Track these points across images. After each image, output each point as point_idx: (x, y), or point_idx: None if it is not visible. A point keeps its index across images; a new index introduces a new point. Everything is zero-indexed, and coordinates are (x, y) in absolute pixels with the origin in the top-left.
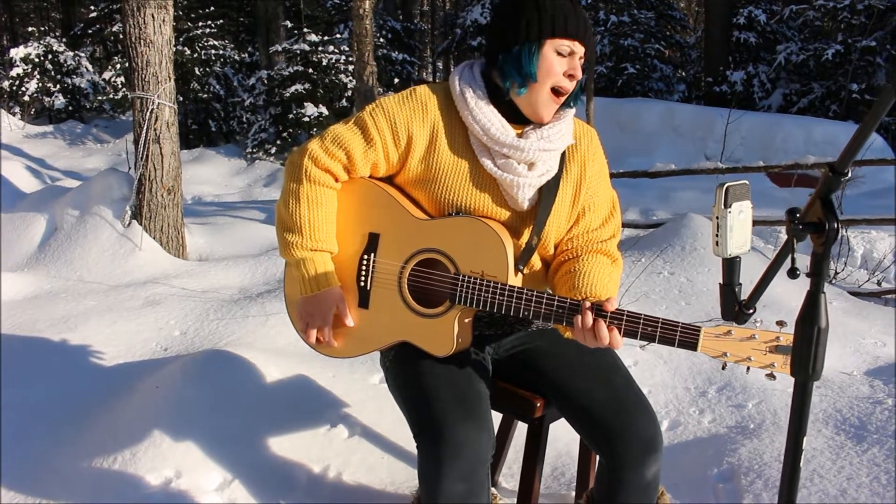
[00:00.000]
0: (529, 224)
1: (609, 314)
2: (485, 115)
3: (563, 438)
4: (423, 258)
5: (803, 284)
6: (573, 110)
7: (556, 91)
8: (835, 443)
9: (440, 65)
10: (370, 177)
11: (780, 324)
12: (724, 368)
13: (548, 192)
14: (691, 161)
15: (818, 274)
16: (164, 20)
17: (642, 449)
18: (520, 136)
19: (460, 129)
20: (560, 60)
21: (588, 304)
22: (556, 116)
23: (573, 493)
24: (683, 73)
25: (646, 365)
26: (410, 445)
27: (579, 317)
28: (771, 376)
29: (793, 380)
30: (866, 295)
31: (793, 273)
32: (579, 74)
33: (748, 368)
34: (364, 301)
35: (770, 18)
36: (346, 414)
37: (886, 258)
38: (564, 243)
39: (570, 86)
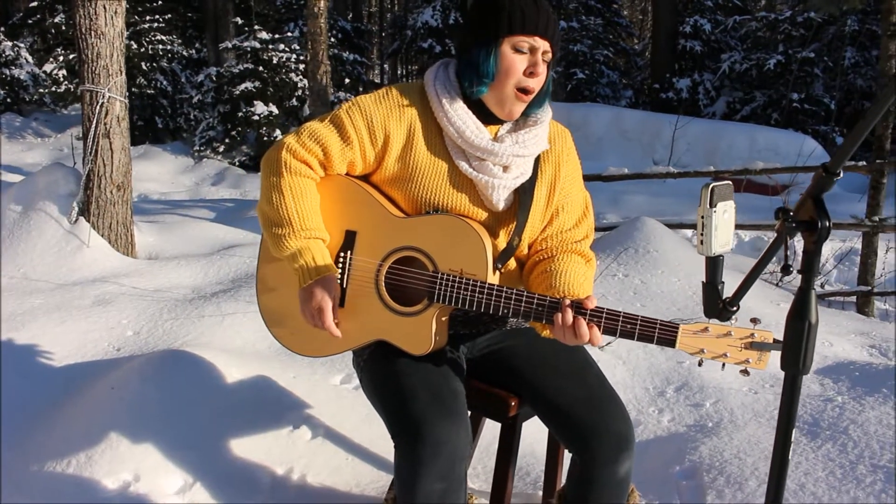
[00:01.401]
0: (506, 224)
1: (588, 311)
2: (459, 118)
3: (526, 438)
4: (400, 256)
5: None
6: (549, 115)
7: (521, 90)
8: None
9: (387, 67)
10: (346, 174)
11: (754, 321)
12: (700, 365)
13: (524, 194)
14: (639, 165)
15: (809, 271)
16: (116, 11)
17: (616, 446)
18: (495, 138)
19: (436, 129)
20: (520, 58)
21: (567, 301)
22: (532, 121)
23: (540, 493)
24: (630, 81)
25: (605, 366)
26: (375, 446)
27: (559, 314)
28: (745, 372)
29: (750, 378)
30: None
31: (786, 269)
32: (540, 71)
33: (723, 365)
34: (340, 299)
35: (715, 28)
36: (308, 415)
37: (828, 262)
38: (538, 243)
39: (533, 84)
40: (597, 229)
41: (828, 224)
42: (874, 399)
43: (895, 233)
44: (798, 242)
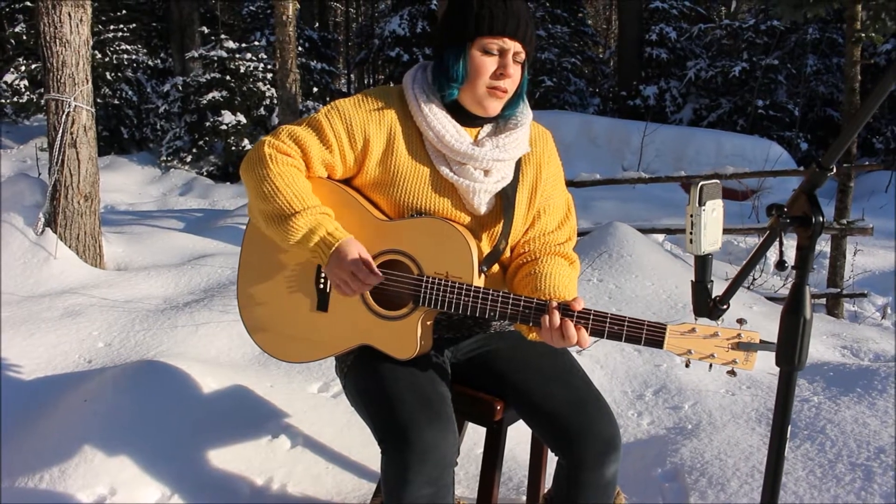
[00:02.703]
0: (490, 228)
1: (576, 313)
2: (439, 122)
3: (508, 443)
4: (385, 259)
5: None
6: (529, 116)
7: (493, 88)
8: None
9: (354, 76)
10: (328, 178)
11: (741, 322)
12: (687, 366)
13: (507, 198)
14: (609, 171)
15: (803, 267)
16: (81, 19)
17: (602, 449)
18: (476, 141)
19: (417, 133)
20: (489, 60)
21: (555, 303)
22: (512, 124)
23: (524, 498)
24: (597, 88)
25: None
26: (355, 454)
27: (546, 316)
28: (732, 373)
29: (727, 380)
30: (782, 300)
31: (781, 266)
32: (511, 73)
33: (710, 366)
34: (323, 304)
35: (680, 36)
36: (287, 424)
37: None
38: (521, 246)
39: (505, 86)
40: None
41: (822, 219)
42: (849, 399)
43: (863, 235)
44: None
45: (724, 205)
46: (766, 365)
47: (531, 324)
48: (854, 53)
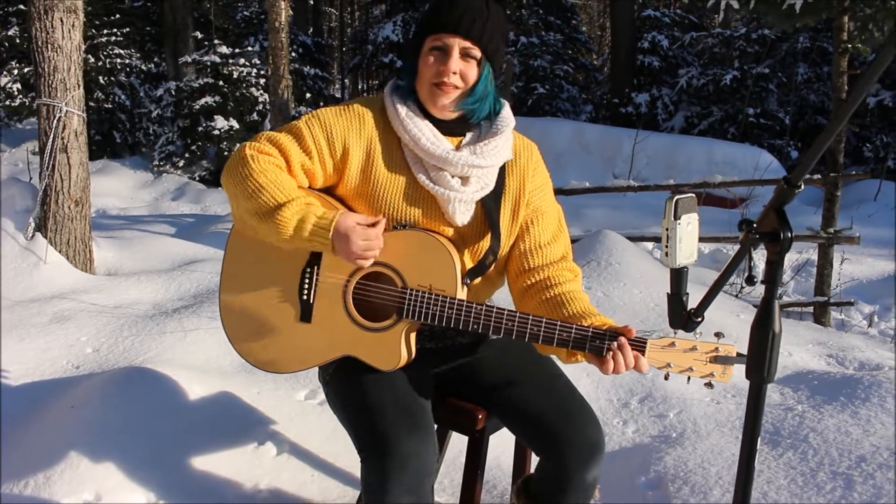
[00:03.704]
0: (473, 241)
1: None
2: (416, 126)
3: (492, 451)
4: (368, 271)
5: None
6: (511, 125)
7: (436, 85)
8: None
9: (348, 81)
10: (309, 188)
11: (718, 335)
12: (666, 379)
13: (488, 209)
14: (600, 179)
15: (773, 281)
16: (73, 25)
17: (587, 453)
18: (457, 149)
19: (396, 143)
20: (436, 55)
21: (624, 340)
22: (492, 132)
23: None
24: (590, 95)
25: (569, 378)
26: (341, 461)
27: (617, 351)
28: (710, 385)
29: (713, 389)
30: None
31: (750, 280)
32: (451, 67)
33: (689, 378)
34: (307, 315)
35: (672, 44)
36: (273, 431)
37: (786, 273)
38: (519, 262)
39: (450, 80)
40: None
41: (790, 235)
42: (832, 407)
43: (850, 244)
44: (756, 253)
45: (711, 213)
46: None
47: (528, 339)
48: (841, 64)
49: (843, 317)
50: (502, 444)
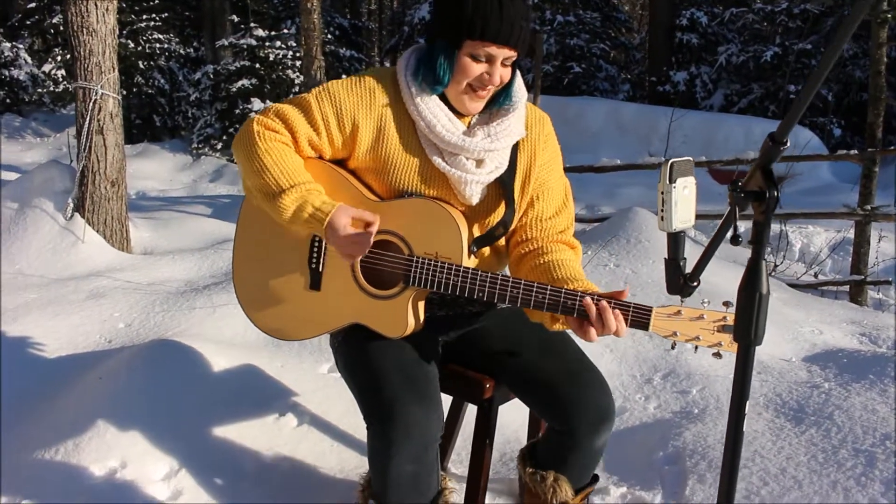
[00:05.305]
0: (483, 217)
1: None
2: (430, 111)
3: (510, 425)
4: (376, 239)
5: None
6: (524, 98)
7: (473, 90)
8: (775, 425)
9: (388, 63)
10: (319, 158)
11: (727, 304)
12: (672, 348)
13: (505, 187)
14: (636, 158)
15: (759, 242)
16: (107, 9)
17: (597, 418)
18: (468, 129)
19: (409, 121)
20: (477, 66)
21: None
22: (504, 110)
23: None
24: (628, 74)
25: (592, 354)
26: (360, 433)
27: (593, 308)
28: (717, 355)
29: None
30: (804, 286)
31: (735, 240)
32: (497, 81)
33: (696, 348)
34: (316, 283)
35: (711, 21)
36: (294, 403)
37: (822, 252)
38: (519, 232)
39: (487, 89)
40: (591, 221)
41: (776, 194)
42: (860, 385)
43: (888, 222)
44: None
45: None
46: (778, 350)
47: (558, 311)
48: (880, 35)
49: (880, 296)
50: (521, 417)
